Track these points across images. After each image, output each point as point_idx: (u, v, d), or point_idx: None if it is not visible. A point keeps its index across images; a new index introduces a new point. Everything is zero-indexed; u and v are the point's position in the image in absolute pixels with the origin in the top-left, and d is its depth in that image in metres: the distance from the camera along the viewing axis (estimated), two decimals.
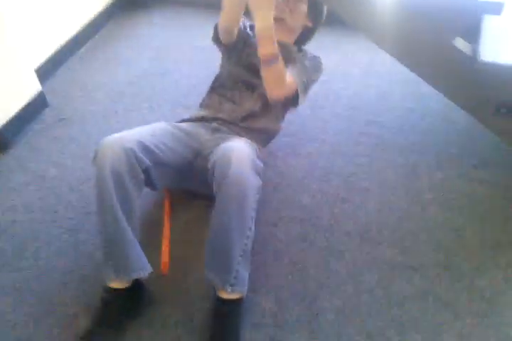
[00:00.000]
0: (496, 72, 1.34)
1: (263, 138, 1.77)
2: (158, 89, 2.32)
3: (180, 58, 2.51)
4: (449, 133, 2.05)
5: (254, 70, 1.66)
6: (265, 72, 1.56)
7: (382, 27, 1.40)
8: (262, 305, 1.48)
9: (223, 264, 1.38)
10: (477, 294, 1.50)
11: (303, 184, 1.87)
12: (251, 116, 1.72)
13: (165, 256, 1.59)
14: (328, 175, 1.89)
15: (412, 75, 2.23)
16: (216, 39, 1.75)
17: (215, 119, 1.72)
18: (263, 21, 1.46)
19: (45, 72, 2.35)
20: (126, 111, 2.20)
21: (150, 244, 1.55)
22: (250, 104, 1.73)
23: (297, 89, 1.66)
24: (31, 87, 2.14)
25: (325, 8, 1.79)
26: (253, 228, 1.42)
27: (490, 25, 1.36)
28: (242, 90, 1.75)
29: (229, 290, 1.37)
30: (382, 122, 2.12)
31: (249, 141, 1.54)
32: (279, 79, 1.58)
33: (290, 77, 1.63)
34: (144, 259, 1.43)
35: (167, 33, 2.73)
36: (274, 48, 1.50)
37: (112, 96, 2.29)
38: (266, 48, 1.49)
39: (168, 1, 2.94)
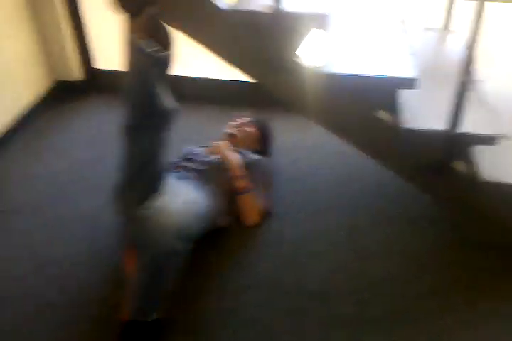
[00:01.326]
0: (416, 136, 1.57)
1: None
2: (98, 175, 2.35)
3: (117, 143, 2.56)
4: (384, 195, 2.26)
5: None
6: (241, 200, 2.02)
7: (312, 102, 1.61)
8: None
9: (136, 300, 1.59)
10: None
11: (259, 250, 1.96)
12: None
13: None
14: (279, 241, 2.00)
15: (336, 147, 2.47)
16: None
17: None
18: (231, 162, 2.04)
19: None
20: (66, 199, 2.20)
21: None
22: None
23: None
24: None
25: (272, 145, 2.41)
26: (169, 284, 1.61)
27: (405, 95, 1.62)
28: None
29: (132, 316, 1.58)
30: (319, 190, 2.30)
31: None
32: (254, 205, 2.04)
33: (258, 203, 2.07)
34: None
35: (102, 119, 2.80)
36: (247, 182, 2.02)
37: (53, 185, 2.29)
38: (240, 183, 2.01)
39: (104, 88, 3.01)
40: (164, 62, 1.51)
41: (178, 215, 1.61)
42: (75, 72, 2.93)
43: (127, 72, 1.50)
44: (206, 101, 2.92)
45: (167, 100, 1.53)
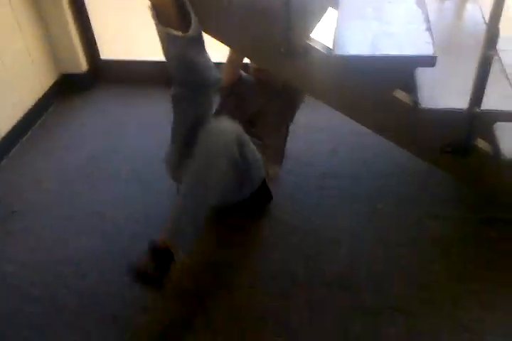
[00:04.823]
0: (436, 116, 1.49)
1: None
2: (111, 168, 2.31)
3: (128, 135, 2.53)
4: (402, 177, 2.17)
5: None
6: None
7: (326, 85, 1.54)
8: None
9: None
10: (457, 324, 1.57)
11: (271, 241, 1.90)
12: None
13: None
14: (296, 230, 1.93)
15: (353, 128, 2.41)
16: None
17: None
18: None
19: None
20: (81, 196, 2.16)
21: None
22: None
23: None
24: None
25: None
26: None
27: (423, 72, 1.54)
28: None
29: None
30: (337, 174, 2.21)
31: None
32: None
33: None
34: None
35: (110, 113, 2.74)
36: None
37: (63, 182, 2.25)
38: None
39: (107, 81, 2.96)
40: (197, 38, 1.52)
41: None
42: (81, 64, 2.87)
43: (166, 55, 1.58)
44: None
45: (209, 71, 1.60)
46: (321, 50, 1.45)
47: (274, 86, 2.09)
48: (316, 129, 2.49)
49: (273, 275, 1.76)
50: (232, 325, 1.60)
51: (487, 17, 1.93)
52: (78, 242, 1.93)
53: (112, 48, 2.96)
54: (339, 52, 1.42)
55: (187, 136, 1.75)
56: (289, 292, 1.70)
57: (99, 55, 2.94)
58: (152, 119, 2.61)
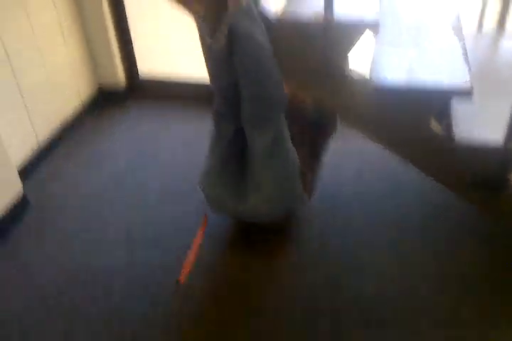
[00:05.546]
0: (470, 149, 1.46)
1: None
2: (143, 182, 2.34)
3: (161, 151, 2.56)
4: (425, 207, 2.14)
5: None
6: None
7: (362, 114, 1.53)
8: None
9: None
10: None
11: (297, 267, 1.88)
12: None
13: (187, 267, 1.84)
14: (322, 257, 1.92)
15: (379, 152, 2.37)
16: None
17: None
18: None
19: (25, 172, 2.33)
20: (112, 206, 2.20)
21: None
22: None
23: None
24: (13, 189, 2.10)
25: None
26: None
27: (459, 104, 1.52)
28: None
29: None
30: (362, 200, 2.19)
31: None
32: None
33: None
34: None
35: (145, 127, 2.78)
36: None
37: (95, 192, 2.29)
38: None
39: (144, 95, 3.03)
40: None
41: None
42: (119, 80, 2.94)
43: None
44: None
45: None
46: (358, 77, 1.44)
47: (307, 116, 2.02)
48: (344, 153, 2.48)
49: (299, 301, 1.74)
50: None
51: None
52: (104, 252, 1.97)
53: (149, 67, 3.02)
54: (375, 78, 1.42)
55: (225, 152, 1.78)
56: (314, 319, 1.67)
57: (137, 72, 3.01)
58: (184, 138, 2.64)
